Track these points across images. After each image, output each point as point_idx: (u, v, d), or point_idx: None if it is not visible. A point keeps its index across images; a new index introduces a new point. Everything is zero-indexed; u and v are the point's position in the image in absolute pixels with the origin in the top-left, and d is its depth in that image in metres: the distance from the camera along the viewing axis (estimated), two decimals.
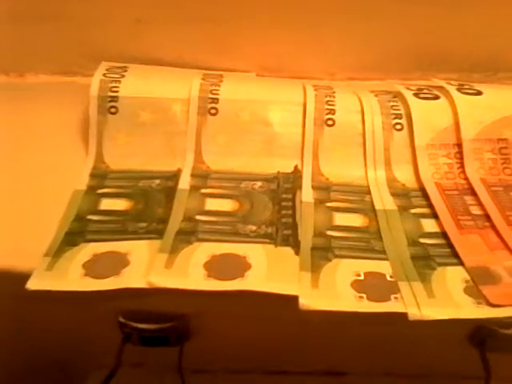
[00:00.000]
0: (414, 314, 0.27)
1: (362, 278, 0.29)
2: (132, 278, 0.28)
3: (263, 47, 0.45)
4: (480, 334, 0.42)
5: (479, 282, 0.29)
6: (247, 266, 0.29)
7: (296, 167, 0.37)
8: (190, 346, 0.45)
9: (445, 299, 0.28)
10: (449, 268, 0.30)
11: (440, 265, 0.30)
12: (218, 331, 0.44)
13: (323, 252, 0.31)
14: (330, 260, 0.30)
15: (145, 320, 0.40)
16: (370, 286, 0.28)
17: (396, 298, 0.28)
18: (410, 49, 0.46)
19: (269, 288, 0.28)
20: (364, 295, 0.28)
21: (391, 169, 0.37)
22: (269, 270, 0.29)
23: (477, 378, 0.44)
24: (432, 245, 0.32)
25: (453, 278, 0.29)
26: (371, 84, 0.44)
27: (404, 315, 0.27)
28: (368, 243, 0.32)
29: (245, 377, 0.48)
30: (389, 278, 0.29)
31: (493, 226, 0.33)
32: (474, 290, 0.28)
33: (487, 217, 0.33)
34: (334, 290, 0.28)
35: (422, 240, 0.32)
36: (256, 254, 0.30)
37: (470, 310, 0.27)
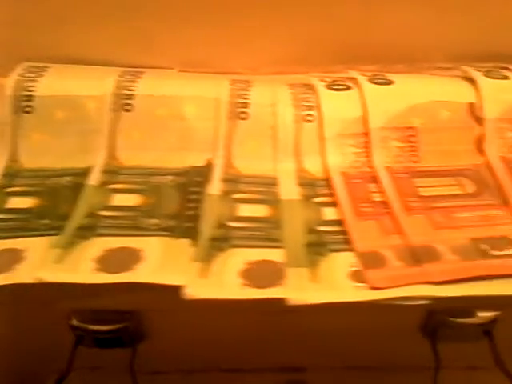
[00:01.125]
0: (292, 298, 0.27)
1: (251, 266, 0.30)
2: (23, 273, 0.28)
3: (186, 43, 0.46)
4: (432, 324, 0.43)
5: (366, 266, 0.29)
6: (139, 259, 0.30)
7: (209, 161, 0.38)
8: (146, 347, 0.46)
9: (327, 284, 0.28)
10: (340, 254, 0.31)
11: (332, 251, 0.31)
12: (172, 331, 0.45)
13: (220, 242, 0.32)
14: (224, 250, 0.31)
15: (97, 322, 0.41)
16: (258, 273, 0.29)
17: (281, 284, 0.28)
18: (334, 41, 0.47)
19: (154, 279, 0.28)
20: (250, 283, 0.28)
21: (301, 160, 0.38)
22: (160, 262, 0.30)
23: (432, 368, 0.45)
24: (328, 232, 0.33)
25: (341, 263, 0.30)
26: (294, 78, 0.44)
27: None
28: (267, 232, 0.33)
29: (202, 376, 0.49)
30: (279, 266, 0.30)
31: (390, 212, 0.33)
32: (359, 274, 0.29)
33: (387, 203, 0.34)
34: (220, 279, 0.29)
35: (320, 228, 0.33)
36: (152, 247, 0.31)
37: (350, 294, 0.28)
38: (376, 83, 0.39)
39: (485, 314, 0.42)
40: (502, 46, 0.46)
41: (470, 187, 0.36)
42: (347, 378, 0.50)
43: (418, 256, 0.30)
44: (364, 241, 0.31)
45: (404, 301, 0.28)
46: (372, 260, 0.30)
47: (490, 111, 0.39)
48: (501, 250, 0.31)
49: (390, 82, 0.40)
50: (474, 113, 0.39)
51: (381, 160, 0.37)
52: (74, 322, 0.40)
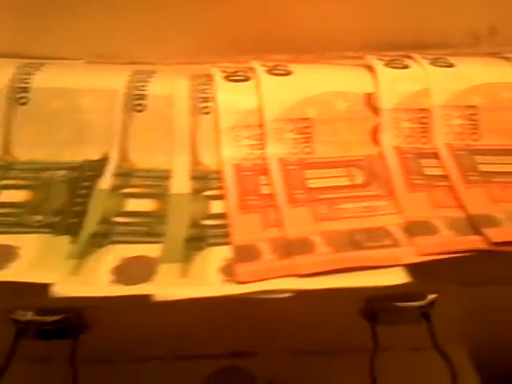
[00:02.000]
0: (158, 295, 0.27)
1: (124, 262, 0.30)
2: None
3: (94, 34, 0.45)
4: (371, 308, 0.44)
5: (238, 259, 0.30)
6: (14, 257, 0.30)
7: (104, 154, 0.38)
8: (93, 337, 0.46)
9: (196, 279, 0.29)
10: (217, 248, 0.31)
11: (210, 245, 0.31)
12: (117, 320, 0.45)
13: (100, 239, 0.32)
14: (102, 246, 0.31)
15: (39, 313, 0.41)
16: (130, 270, 0.29)
17: (151, 280, 0.29)
18: (243, 31, 0.47)
19: (24, 278, 0.28)
20: (120, 279, 0.29)
21: (197, 153, 0.38)
22: (34, 261, 0.30)
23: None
24: (212, 226, 0.33)
25: (216, 257, 0.30)
26: (199, 68, 0.44)
27: None
28: (150, 227, 0.33)
29: (151, 364, 0.49)
30: (152, 262, 0.30)
31: (276, 205, 0.34)
32: (229, 269, 0.29)
33: (274, 196, 0.34)
34: (91, 276, 0.29)
35: (205, 222, 0.33)
36: (29, 244, 0.31)
37: (215, 289, 0.28)
38: (274, 74, 0.39)
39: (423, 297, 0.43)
40: (408, 34, 0.47)
41: (360, 178, 0.36)
42: (296, 361, 0.51)
43: (292, 249, 0.30)
44: (243, 234, 0.32)
45: (269, 294, 0.28)
46: (246, 253, 0.30)
47: (386, 101, 0.39)
48: (375, 241, 0.31)
49: (288, 73, 0.40)
50: (371, 103, 0.39)
51: (274, 152, 0.37)
52: (15, 315, 0.40)
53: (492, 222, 0.33)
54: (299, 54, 0.47)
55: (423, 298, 0.45)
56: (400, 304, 0.45)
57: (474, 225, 0.32)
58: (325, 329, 0.48)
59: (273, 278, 0.29)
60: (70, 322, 0.44)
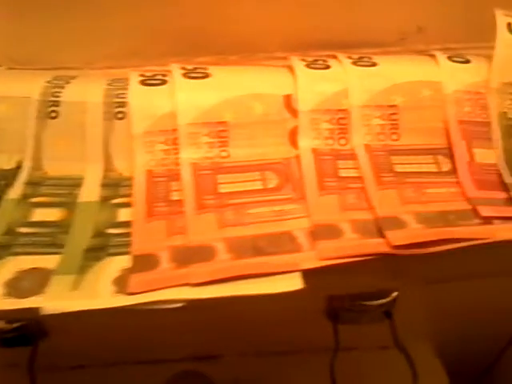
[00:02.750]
0: (46, 308, 0.27)
1: (20, 275, 0.29)
2: None
3: (15, 39, 0.44)
4: (333, 307, 0.44)
5: (134, 269, 0.29)
6: None
7: (18, 163, 0.37)
8: (53, 343, 0.45)
9: (87, 291, 0.28)
10: (116, 257, 0.31)
11: (110, 255, 0.31)
12: (80, 326, 0.44)
13: (1, 251, 0.31)
14: (2, 258, 0.30)
15: None
16: (23, 282, 0.29)
17: (42, 293, 0.28)
18: (170, 34, 0.46)
19: None
20: (12, 292, 0.28)
21: (110, 159, 0.37)
22: None
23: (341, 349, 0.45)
24: (116, 234, 0.33)
25: (113, 267, 0.30)
26: (122, 72, 0.44)
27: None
28: (54, 238, 0.32)
29: (116, 368, 0.49)
30: (46, 274, 0.29)
31: (181, 212, 0.33)
32: (122, 279, 0.29)
33: (180, 203, 0.34)
34: None
35: (110, 230, 0.33)
36: None
37: (104, 301, 0.28)
38: (191, 77, 0.39)
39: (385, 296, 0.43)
40: (337, 34, 0.46)
41: (273, 181, 0.36)
42: (259, 363, 0.51)
43: (192, 256, 0.30)
44: (144, 243, 0.31)
45: (159, 305, 0.28)
46: (144, 263, 0.30)
47: (304, 103, 0.39)
48: (278, 246, 0.31)
49: (206, 76, 0.39)
50: (291, 105, 0.39)
51: (188, 157, 0.37)
52: None
53: (399, 223, 0.32)
54: (226, 55, 0.47)
55: (385, 296, 0.44)
56: (362, 303, 0.45)
57: (380, 227, 0.32)
58: (288, 329, 0.47)
59: (166, 287, 0.28)
60: (29, 328, 0.43)
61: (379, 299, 0.44)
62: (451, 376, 0.54)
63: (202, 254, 0.30)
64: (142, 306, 0.27)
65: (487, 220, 0.32)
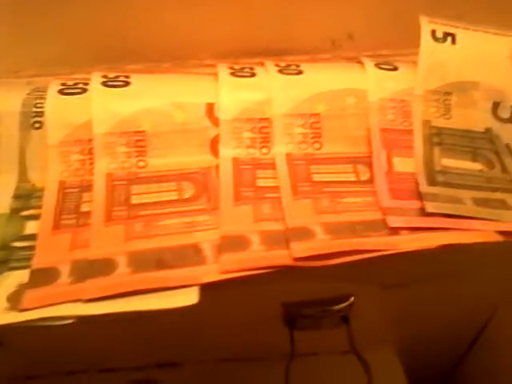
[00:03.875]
0: None
1: None
2: None
3: None
4: (289, 314, 0.43)
5: (31, 284, 0.29)
6: None
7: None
8: (10, 353, 0.44)
9: None
10: (16, 272, 0.30)
11: (11, 269, 0.30)
12: (37, 335, 0.43)
13: None
14: None
15: None
16: None
17: None
18: (97, 42, 0.45)
19: None
20: None
21: (25, 170, 0.37)
22: None
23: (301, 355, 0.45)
24: (21, 248, 0.32)
25: (11, 282, 0.29)
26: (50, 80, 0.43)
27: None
28: None
29: (76, 377, 0.48)
30: None
31: (88, 224, 0.33)
32: (18, 295, 0.28)
33: (88, 215, 0.33)
34: None
35: (15, 243, 0.32)
36: None
37: None
38: (109, 86, 0.38)
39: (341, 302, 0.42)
40: (268, 41, 0.46)
41: (189, 192, 0.36)
42: (219, 370, 0.50)
43: (91, 270, 0.30)
44: (47, 256, 0.31)
45: (51, 321, 0.27)
46: (43, 277, 0.30)
47: (226, 111, 0.38)
48: (182, 259, 0.31)
49: (126, 84, 0.39)
50: (213, 114, 0.38)
51: (102, 167, 0.36)
52: None
53: (307, 234, 0.32)
54: (158, 62, 0.46)
55: (342, 301, 0.44)
56: (318, 309, 0.44)
57: (288, 239, 0.32)
58: (247, 336, 0.47)
59: (59, 303, 0.28)
60: None
61: (336, 304, 0.43)
62: (414, 381, 0.54)
63: (101, 268, 0.30)
64: (31, 322, 0.27)
65: (394, 231, 0.32)
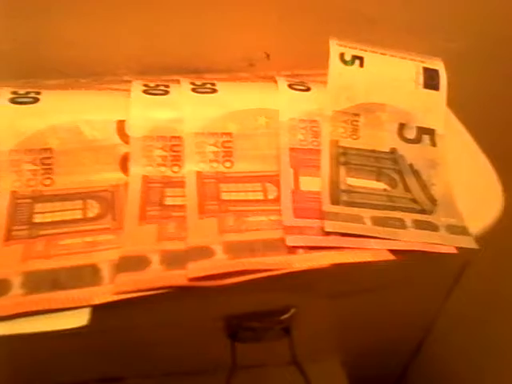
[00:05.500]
0: None
1: None
2: None
3: None
4: (231, 327, 0.43)
5: None
6: None
7: None
8: None
9: None
10: None
11: None
12: None
13: None
14: None
15: None
16: None
17: None
18: (12, 55, 0.45)
19: None
20: None
21: None
22: None
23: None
24: None
25: None
26: None
27: None
28: None
29: None
30: None
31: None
32: None
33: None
34: None
35: None
36: None
37: None
38: (17, 103, 0.38)
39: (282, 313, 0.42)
40: (186, 58, 0.46)
41: (94, 210, 0.35)
42: None
43: None
44: None
45: None
46: None
47: (136, 129, 0.38)
48: (77, 280, 0.31)
49: (35, 101, 0.39)
50: (123, 131, 0.38)
51: (7, 185, 0.36)
52: None
53: (206, 254, 0.33)
54: (76, 78, 0.46)
55: (283, 313, 0.44)
56: (259, 321, 0.44)
57: (187, 258, 0.32)
58: (190, 349, 0.47)
59: None
60: None
61: (277, 316, 0.44)
62: None
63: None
64: None
65: (292, 250, 0.33)
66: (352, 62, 0.42)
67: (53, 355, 0.42)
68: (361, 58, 0.42)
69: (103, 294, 0.30)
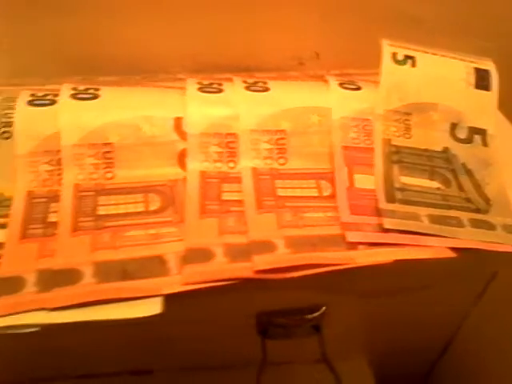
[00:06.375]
0: None
1: None
2: None
3: None
4: (262, 323, 0.43)
5: None
6: None
7: None
8: None
9: None
10: None
11: None
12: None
13: None
14: None
15: None
16: None
17: None
18: (68, 53, 0.46)
19: None
20: None
21: None
22: None
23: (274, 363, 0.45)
24: None
25: None
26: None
27: None
28: None
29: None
30: None
31: (55, 234, 0.33)
32: None
33: (55, 225, 0.34)
34: None
35: None
36: None
37: None
38: (77, 98, 0.39)
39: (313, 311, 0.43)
40: (237, 57, 0.47)
41: (156, 204, 0.36)
42: (193, 378, 0.50)
43: (54, 280, 0.30)
44: (13, 265, 0.31)
45: (14, 329, 0.27)
46: (8, 286, 0.30)
47: (193, 126, 0.39)
48: (146, 270, 0.32)
49: (95, 97, 0.39)
50: (180, 128, 0.39)
51: (71, 178, 0.37)
52: None
53: (269, 248, 0.33)
54: (129, 75, 0.47)
55: (314, 311, 0.45)
56: (290, 318, 0.45)
57: (250, 251, 0.33)
58: (220, 344, 0.47)
59: (25, 311, 0.28)
60: None
61: (307, 314, 0.44)
62: None
63: (67, 277, 0.30)
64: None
65: (352, 246, 0.34)
66: (404, 62, 0.42)
67: (94, 346, 0.43)
68: (413, 58, 0.42)
69: (171, 284, 0.31)
